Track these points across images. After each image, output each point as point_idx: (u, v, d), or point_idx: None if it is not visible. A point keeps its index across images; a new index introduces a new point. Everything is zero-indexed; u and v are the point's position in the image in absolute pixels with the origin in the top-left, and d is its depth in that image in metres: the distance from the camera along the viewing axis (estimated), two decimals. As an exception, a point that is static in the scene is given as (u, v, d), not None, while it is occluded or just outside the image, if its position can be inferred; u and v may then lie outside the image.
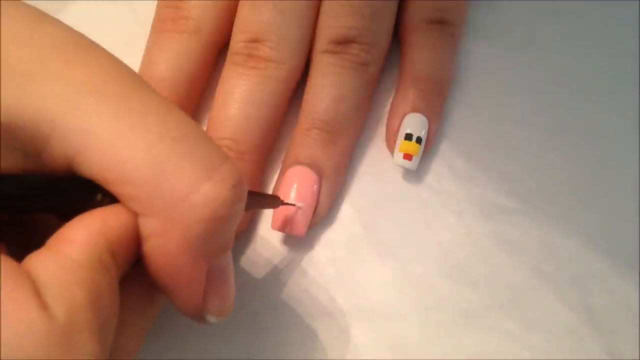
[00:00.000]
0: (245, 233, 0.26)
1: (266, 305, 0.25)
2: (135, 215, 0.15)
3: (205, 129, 0.25)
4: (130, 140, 0.14)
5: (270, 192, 0.26)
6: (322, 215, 0.25)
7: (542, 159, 0.27)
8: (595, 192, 0.26)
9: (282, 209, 0.24)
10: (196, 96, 0.26)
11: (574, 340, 0.24)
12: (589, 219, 0.26)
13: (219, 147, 0.16)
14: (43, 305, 0.12)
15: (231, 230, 0.16)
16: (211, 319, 0.17)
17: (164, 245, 0.15)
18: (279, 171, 0.26)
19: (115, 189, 0.15)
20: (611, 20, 0.28)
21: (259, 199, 0.23)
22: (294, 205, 0.24)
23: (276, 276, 0.25)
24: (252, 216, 0.26)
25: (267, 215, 0.26)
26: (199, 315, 0.17)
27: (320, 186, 0.25)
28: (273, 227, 0.25)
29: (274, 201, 0.24)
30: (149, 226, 0.15)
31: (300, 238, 0.25)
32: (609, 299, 0.25)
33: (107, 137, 0.14)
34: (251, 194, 0.18)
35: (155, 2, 0.27)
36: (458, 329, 0.24)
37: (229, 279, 0.18)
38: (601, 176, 0.26)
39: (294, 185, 0.25)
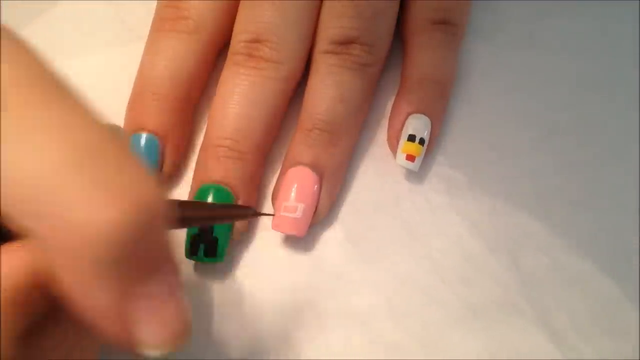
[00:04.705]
0: (245, 233, 0.25)
1: (265, 305, 0.25)
2: (33, 253, 0.14)
3: (205, 128, 0.25)
4: (30, 159, 0.12)
5: (270, 192, 0.26)
6: (322, 215, 0.25)
7: (541, 158, 0.27)
8: (594, 192, 0.26)
9: (282, 209, 0.24)
10: (196, 96, 0.26)
11: (562, 340, 0.25)
12: (588, 219, 0.26)
13: (136, 165, 0.14)
14: None
15: (155, 254, 0.14)
16: (150, 351, 0.15)
17: (68, 277, 0.14)
18: (279, 171, 0.26)
19: (16, 219, 0.13)
20: (611, 20, 0.28)
21: (228, 211, 0.22)
22: (272, 215, 0.24)
23: (275, 276, 0.25)
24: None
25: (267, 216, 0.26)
26: (133, 348, 0.15)
27: (320, 186, 0.25)
28: (273, 228, 0.25)
29: (247, 212, 0.22)
30: (49, 258, 0.13)
31: (300, 238, 0.25)
32: (606, 301, 0.25)
33: (4, 156, 0.12)
34: (221, 206, 0.16)
35: (143, 3, 0.26)
36: (456, 330, 0.24)
37: (169, 303, 0.15)
38: (601, 175, 0.26)
39: (294, 186, 0.24)
